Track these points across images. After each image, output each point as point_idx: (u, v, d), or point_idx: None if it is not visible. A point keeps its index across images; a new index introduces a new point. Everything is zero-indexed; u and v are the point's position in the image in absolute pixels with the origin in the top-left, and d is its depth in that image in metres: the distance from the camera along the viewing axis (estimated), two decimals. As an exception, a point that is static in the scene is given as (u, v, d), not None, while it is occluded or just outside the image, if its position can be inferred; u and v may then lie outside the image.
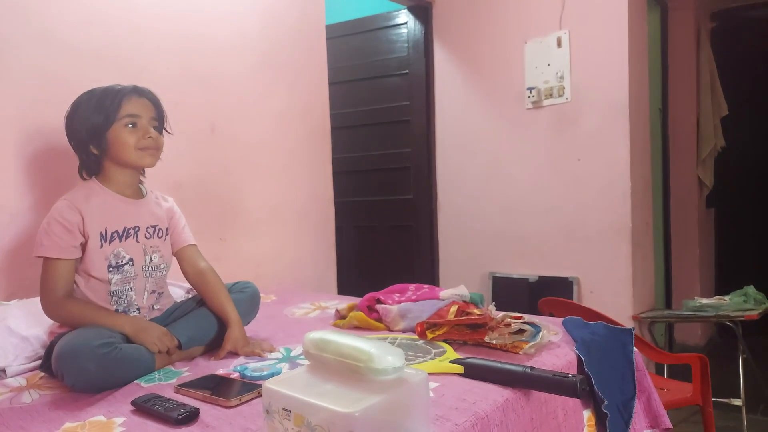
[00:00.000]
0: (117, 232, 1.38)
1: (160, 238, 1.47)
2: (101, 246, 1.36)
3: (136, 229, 1.42)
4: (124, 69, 1.90)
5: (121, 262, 1.38)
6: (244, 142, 2.36)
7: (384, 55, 3.55)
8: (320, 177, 2.74)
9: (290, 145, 2.57)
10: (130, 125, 1.37)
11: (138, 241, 1.42)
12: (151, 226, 1.46)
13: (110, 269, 1.36)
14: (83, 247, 1.35)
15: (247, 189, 2.38)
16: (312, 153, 2.68)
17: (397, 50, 3.51)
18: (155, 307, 1.45)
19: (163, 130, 1.48)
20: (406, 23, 3.46)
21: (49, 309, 1.33)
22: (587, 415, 1.25)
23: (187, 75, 2.14)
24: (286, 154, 2.55)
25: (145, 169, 1.48)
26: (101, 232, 1.36)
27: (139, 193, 1.48)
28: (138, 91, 1.40)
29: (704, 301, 2.80)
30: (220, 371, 1.25)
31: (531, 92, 2.98)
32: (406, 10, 3.43)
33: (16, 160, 1.68)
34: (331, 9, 2.85)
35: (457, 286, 1.64)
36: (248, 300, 1.56)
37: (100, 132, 1.36)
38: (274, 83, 2.48)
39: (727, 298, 2.77)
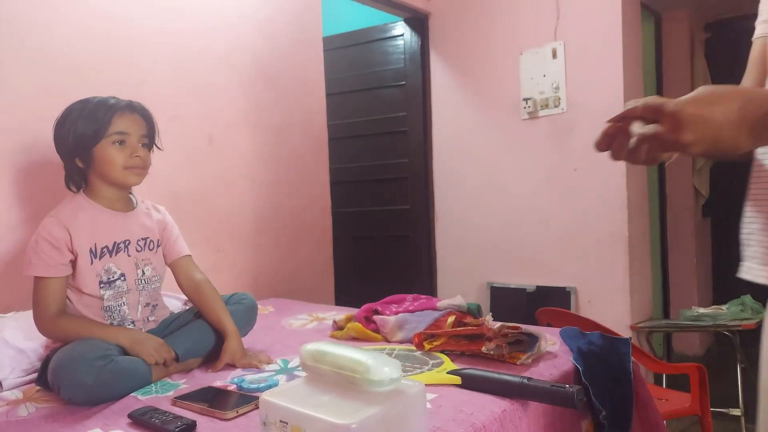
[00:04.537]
0: (107, 247, 1.37)
1: (151, 250, 1.46)
2: (91, 262, 1.34)
3: (127, 242, 1.40)
4: (122, 82, 1.91)
5: (113, 277, 1.37)
6: (241, 153, 2.37)
7: (381, 66, 3.58)
8: (318, 187, 2.74)
9: (288, 156, 2.58)
10: (118, 143, 1.35)
11: (129, 255, 1.40)
12: (142, 239, 1.44)
13: (102, 285, 1.35)
14: (73, 263, 1.33)
15: (244, 200, 2.38)
16: (309, 164, 2.69)
17: (394, 62, 3.53)
18: (150, 319, 1.45)
19: (154, 146, 1.46)
20: (402, 35, 3.48)
21: (42, 327, 1.32)
22: (585, 425, 1.25)
23: (185, 87, 2.15)
24: (284, 165, 2.56)
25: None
26: (91, 249, 1.34)
27: (128, 205, 1.45)
28: (131, 107, 1.38)
29: (702, 310, 2.80)
30: (218, 383, 1.25)
31: (527, 103, 3.00)
32: (402, 22, 3.45)
33: (13, 172, 1.68)
34: (328, 21, 2.87)
35: (454, 297, 1.64)
36: (245, 311, 1.55)
37: (88, 146, 1.34)
38: (271, 95, 2.49)
39: (724, 307, 2.77)
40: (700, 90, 0.66)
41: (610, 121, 0.74)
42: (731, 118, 0.63)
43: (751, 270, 0.86)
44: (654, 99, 0.68)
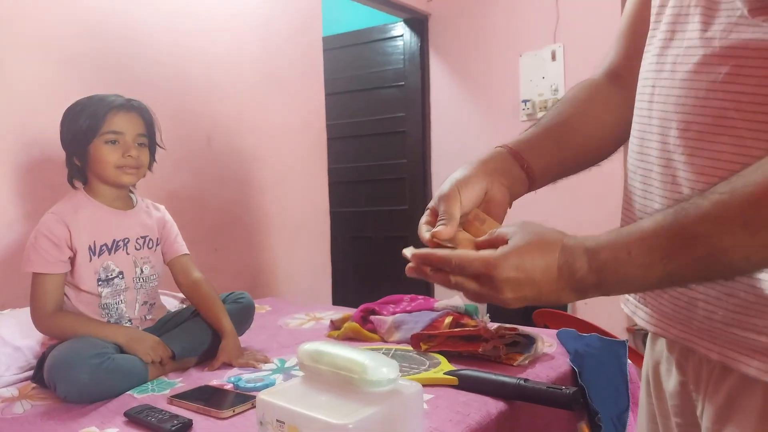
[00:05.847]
0: (106, 245, 1.36)
1: (150, 248, 1.45)
2: (90, 260, 1.34)
3: (126, 240, 1.40)
4: (122, 80, 1.91)
5: (111, 275, 1.36)
6: (240, 152, 2.36)
7: (380, 66, 3.58)
8: (316, 187, 2.74)
9: (287, 156, 2.58)
10: (111, 142, 1.33)
11: (128, 253, 1.40)
12: (141, 237, 1.43)
13: (100, 283, 1.35)
14: (72, 260, 1.33)
15: (242, 199, 2.38)
16: (308, 163, 2.69)
17: (394, 62, 3.53)
18: (147, 318, 1.44)
19: (156, 146, 1.45)
20: (402, 35, 3.48)
21: (39, 324, 1.31)
22: (581, 427, 1.25)
23: (185, 87, 2.15)
24: (283, 165, 2.56)
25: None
26: (90, 246, 1.34)
27: (128, 203, 1.45)
28: (127, 106, 1.37)
29: (698, 313, 2.80)
30: (214, 382, 1.25)
31: (526, 105, 3.00)
32: (402, 23, 3.46)
33: (13, 169, 1.68)
34: (327, 21, 2.87)
35: (451, 297, 1.64)
36: (243, 311, 1.55)
37: (82, 143, 1.33)
38: (271, 95, 2.49)
39: (720, 310, 2.78)
40: (519, 240, 0.60)
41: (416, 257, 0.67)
42: (551, 277, 0.58)
43: (628, 302, 0.74)
44: (465, 260, 0.61)
